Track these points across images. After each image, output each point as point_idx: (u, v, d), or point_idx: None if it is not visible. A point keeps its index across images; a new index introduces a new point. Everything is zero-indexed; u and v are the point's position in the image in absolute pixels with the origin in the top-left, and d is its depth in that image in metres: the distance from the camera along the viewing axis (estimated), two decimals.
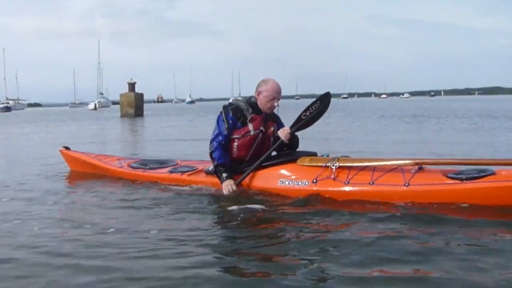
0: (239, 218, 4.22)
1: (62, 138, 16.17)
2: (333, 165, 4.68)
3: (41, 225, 4.21)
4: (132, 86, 39.06)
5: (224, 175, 4.93)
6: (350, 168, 4.69)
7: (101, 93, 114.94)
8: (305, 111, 5.07)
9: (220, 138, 5.00)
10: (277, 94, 5.06)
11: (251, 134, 5.01)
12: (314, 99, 5.15)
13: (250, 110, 5.05)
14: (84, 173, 6.76)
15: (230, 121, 5.00)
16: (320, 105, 5.09)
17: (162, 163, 6.15)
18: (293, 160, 4.97)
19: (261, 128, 5.03)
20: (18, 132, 21.51)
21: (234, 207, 4.48)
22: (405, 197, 4.33)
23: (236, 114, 5.03)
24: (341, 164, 4.69)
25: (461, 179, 4.27)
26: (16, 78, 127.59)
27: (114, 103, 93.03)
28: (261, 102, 5.10)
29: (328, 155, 4.99)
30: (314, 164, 4.84)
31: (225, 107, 5.11)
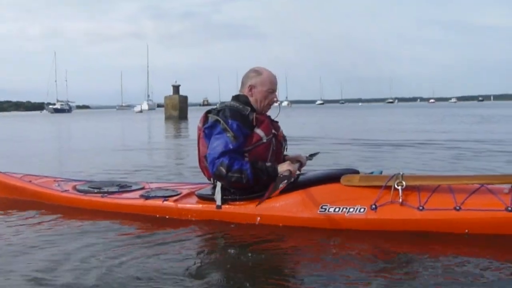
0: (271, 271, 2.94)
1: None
2: (397, 185, 3.53)
3: None
4: (176, 88, 39.56)
5: (269, 165, 3.74)
6: (419, 188, 3.58)
7: (148, 95, 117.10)
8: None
9: (231, 148, 3.70)
10: (275, 86, 3.99)
11: (264, 141, 3.80)
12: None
13: (249, 109, 3.87)
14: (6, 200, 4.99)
15: (235, 127, 3.72)
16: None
17: (122, 187, 4.69)
18: (334, 179, 3.80)
19: (273, 131, 3.89)
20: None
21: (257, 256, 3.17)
22: None
23: (235, 117, 3.77)
24: (408, 184, 3.58)
25: None
26: (66, 81, 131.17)
27: (159, 105, 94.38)
28: (257, 99, 3.94)
29: (381, 172, 3.97)
30: (368, 184, 3.68)
31: (215, 113, 3.87)
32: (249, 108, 3.86)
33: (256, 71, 4.00)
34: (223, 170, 3.66)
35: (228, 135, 3.70)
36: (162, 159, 10.12)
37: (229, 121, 3.74)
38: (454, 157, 8.69)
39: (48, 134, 23.74)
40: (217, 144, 3.72)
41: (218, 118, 3.79)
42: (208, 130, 3.85)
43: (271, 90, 3.96)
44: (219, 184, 3.86)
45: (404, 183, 3.53)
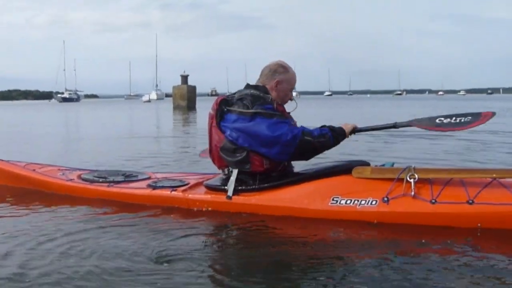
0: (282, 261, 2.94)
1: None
2: (409, 178, 3.52)
3: None
4: (185, 78, 39.62)
5: (334, 126, 3.88)
6: (431, 182, 3.56)
7: (157, 85, 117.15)
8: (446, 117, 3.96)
9: (291, 123, 3.82)
10: (295, 85, 4.04)
11: (295, 121, 3.95)
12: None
13: (270, 97, 3.86)
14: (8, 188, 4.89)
15: (273, 109, 3.76)
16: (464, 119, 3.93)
17: (128, 176, 4.68)
18: (345, 171, 3.79)
19: (293, 118, 3.99)
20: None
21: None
22: None
23: (265, 103, 3.79)
24: (420, 176, 3.56)
25: None
26: (75, 70, 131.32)
27: (167, 95, 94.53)
28: (279, 94, 3.92)
29: (393, 164, 3.95)
30: (380, 176, 3.67)
31: (240, 102, 3.80)
32: (270, 96, 3.85)
33: (284, 67, 3.99)
34: (309, 138, 3.69)
35: (277, 117, 3.72)
36: (169, 148, 10.11)
37: (265, 106, 3.74)
38: (465, 148, 8.64)
39: (56, 122, 23.78)
40: (279, 126, 3.68)
41: (258, 110, 3.72)
42: (247, 121, 3.73)
43: (293, 88, 4.01)
44: (234, 174, 3.83)
45: (416, 176, 3.51)
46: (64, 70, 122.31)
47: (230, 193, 3.82)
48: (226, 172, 3.94)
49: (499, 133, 11.60)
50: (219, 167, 4.04)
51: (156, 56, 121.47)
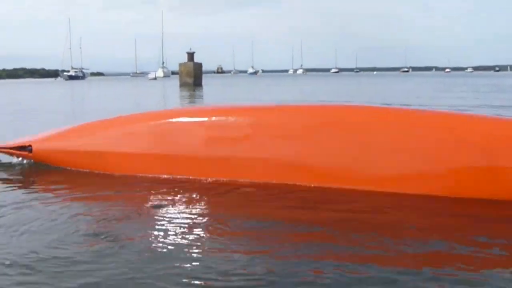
0: None
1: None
2: None
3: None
4: (191, 55, 39.50)
5: None
6: None
7: (163, 62, 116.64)
8: None
9: None
10: None
11: None
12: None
13: None
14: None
15: None
16: None
17: None
18: None
19: None
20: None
21: None
22: None
23: None
24: None
25: None
26: (80, 48, 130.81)
27: (173, 73, 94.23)
28: None
29: None
30: None
31: None
32: None
33: None
34: None
35: None
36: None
37: None
38: None
39: (62, 100, 23.89)
40: None
41: None
42: None
43: None
44: None
45: None
46: (70, 48, 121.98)
47: None
48: None
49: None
50: None
51: (162, 33, 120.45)
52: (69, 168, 4.83)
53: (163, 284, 2.35)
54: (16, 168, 5.04)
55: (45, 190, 4.26)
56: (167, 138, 4.54)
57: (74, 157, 4.81)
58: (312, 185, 3.97)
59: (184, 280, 2.39)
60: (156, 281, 2.38)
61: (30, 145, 4.98)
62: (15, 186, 4.34)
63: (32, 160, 5.05)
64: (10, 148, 5.10)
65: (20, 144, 5.04)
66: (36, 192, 4.19)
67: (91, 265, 2.58)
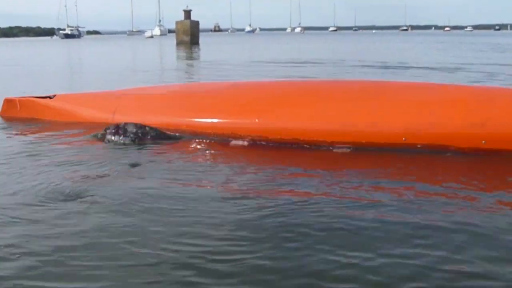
0: None
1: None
2: None
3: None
4: (187, 13, 39.10)
5: None
6: None
7: (159, 21, 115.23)
8: None
9: None
10: None
11: None
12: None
13: None
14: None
15: None
16: None
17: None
18: None
19: None
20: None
21: None
22: None
23: None
24: None
25: None
26: (76, 6, 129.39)
27: (170, 31, 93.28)
28: None
29: None
30: None
31: None
32: None
33: None
34: None
35: None
36: (174, 81, 10.14)
37: None
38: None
39: (59, 58, 23.71)
40: None
41: None
42: None
43: None
44: None
45: None
46: (66, 6, 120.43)
47: None
48: None
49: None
50: None
51: None
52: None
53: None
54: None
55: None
56: None
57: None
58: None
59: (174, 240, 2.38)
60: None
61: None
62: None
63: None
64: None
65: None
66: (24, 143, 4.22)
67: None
